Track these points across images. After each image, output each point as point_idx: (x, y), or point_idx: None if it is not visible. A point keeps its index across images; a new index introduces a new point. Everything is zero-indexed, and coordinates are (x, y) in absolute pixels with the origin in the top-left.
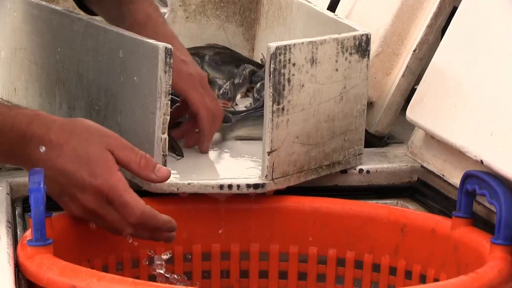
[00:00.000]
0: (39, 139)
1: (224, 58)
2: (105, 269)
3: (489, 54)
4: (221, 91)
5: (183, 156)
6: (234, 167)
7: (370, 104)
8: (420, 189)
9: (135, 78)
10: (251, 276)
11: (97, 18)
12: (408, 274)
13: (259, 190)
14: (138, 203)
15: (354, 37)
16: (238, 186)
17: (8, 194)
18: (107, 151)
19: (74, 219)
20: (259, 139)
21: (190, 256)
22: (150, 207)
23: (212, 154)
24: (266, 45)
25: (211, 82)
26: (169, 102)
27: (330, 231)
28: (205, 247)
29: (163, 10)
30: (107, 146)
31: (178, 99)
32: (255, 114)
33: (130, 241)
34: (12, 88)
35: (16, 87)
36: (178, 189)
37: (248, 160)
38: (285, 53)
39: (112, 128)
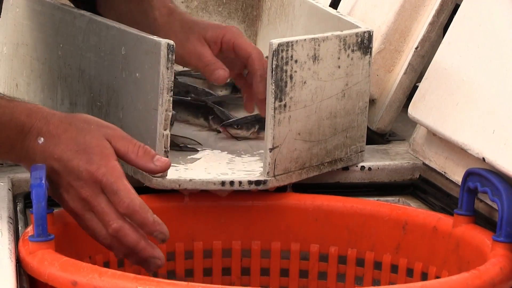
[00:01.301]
0: (38, 130)
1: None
2: (106, 265)
3: (491, 51)
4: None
5: (200, 143)
6: (236, 163)
7: (372, 101)
8: (421, 187)
9: (137, 74)
10: (252, 273)
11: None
12: (410, 272)
13: (261, 187)
14: (129, 192)
15: (356, 34)
16: (240, 182)
17: (9, 190)
18: (105, 140)
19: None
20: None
21: (191, 253)
22: (143, 201)
23: (214, 150)
24: (268, 42)
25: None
26: (171, 99)
27: (332, 229)
28: (206, 244)
29: None
30: (105, 136)
31: (187, 99)
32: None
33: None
34: (14, 84)
35: (18, 82)
36: (179, 185)
37: (249, 156)
38: (287, 50)
39: (114, 124)
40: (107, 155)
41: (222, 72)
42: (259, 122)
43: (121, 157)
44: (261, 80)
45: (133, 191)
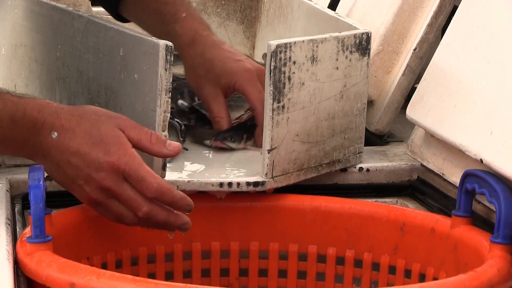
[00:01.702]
0: (51, 125)
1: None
2: (104, 266)
3: (489, 53)
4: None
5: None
6: (234, 165)
7: (370, 103)
8: (420, 188)
9: (135, 75)
10: (250, 274)
11: (98, 15)
12: (408, 273)
13: (259, 188)
14: (155, 176)
15: (355, 36)
16: (238, 184)
17: (7, 191)
18: (118, 130)
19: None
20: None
21: (189, 254)
22: (166, 182)
23: (212, 152)
24: (266, 43)
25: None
26: (170, 100)
27: (330, 230)
28: (204, 245)
29: None
30: (118, 126)
31: (203, 112)
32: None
33: (171, 237)
34: (12, 85)
35: (16, 83)
36: (178, 186)
37: (248, 158)
38: (285, 51)
39: None
40: (123, 143)
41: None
42: (246, 132)
43: (135, 145)
44: (261, 134)
45: (156, 174)
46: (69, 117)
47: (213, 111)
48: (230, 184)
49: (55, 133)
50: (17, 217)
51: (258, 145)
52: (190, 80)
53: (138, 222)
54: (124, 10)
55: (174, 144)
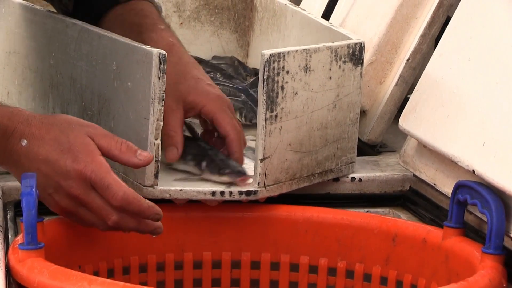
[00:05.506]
0: (21, 133)
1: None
2: (96, 275)
3: (482, 64)
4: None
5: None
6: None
7: (363, 113)
8: (412, 198)
9: (128, 83)
10: (242, 284)
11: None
12: (399, 284)
13: (252, 197)
14: (121, 185)
15: (348, 46)
16: (231, 193)
17: (0, 198)
18: (88, 138)
19: (66, 222)
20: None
21: (181, 264)
22: (133, 190)
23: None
24: (260, 52)
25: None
26: (162, 108)
27: (322, 240)
28: (196, 255)
29: None
30: (88, 134)
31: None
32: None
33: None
34: (5, 92)
35: (9, 91)
36: (170, 195)
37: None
38: (279, 61)
39: None
40: (91, 151)
41: (172, 153)
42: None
43: (105, 154)
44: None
45: (123, 183)
46: (39, 125)
47: (169, 123)
48: (222, 193)
49: (25, 141)
50: (9, 224)
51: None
52: None
53: (110, 229)
54: (103, 26)
55: (145, 154)
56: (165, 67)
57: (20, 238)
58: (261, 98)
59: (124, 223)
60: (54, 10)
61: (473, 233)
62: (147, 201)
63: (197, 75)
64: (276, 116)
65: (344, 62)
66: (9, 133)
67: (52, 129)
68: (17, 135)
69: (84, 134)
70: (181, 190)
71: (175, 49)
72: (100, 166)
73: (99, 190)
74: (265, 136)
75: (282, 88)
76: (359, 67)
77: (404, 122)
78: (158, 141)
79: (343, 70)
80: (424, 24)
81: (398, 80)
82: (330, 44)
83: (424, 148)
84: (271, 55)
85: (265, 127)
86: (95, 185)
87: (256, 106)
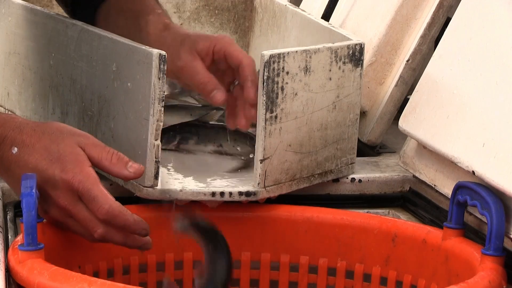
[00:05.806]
0: (12, 140)
1: None
2: (96, 275)
3: (482, 65)
4: None
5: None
6: (226, 174)
7: (363, 114)
8: (411, 199)
9: (128, 84)
10: (242, 284)
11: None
12: (399, 284)
13: (251, 198)
14: (107, 198)
15: (348, 46)
16: (230, 193)
17: (0, 198)
18: (78, 148)
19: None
20: None
21: (181, 264)
22: (120, 204)
23: (204, 161)
24: (260, 53)
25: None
26: (162, 109)
27: (322, 241)
28: (196, 255)
29: None
30: (79, 144)
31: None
32: None
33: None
34: (5, 93)
35: (9, 91)
36: (169, 195)
37: (240, 167)
38: (278, 62)
39: (105, 134)
40: (81, 162)
41: (219, 95)
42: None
43: (95, 164)
44: (252, 85)
45: (110, 196)
46: (31, 133)
47: (198, 73)
48: (222, 193)
49: (16, 148)
50: (9, 225)
51: (253, 98)
52: None
53: (98, 241)
54: (101, 19)
55: (136, 166)
56: (165, 68)
57: (20, 239)
58: (261, 99)
59: (110, 236)
60: (54, 10)
61: (473, 234)
62: (134, 215)
63: (197, 32)
64: (276, 117)
65: (344, 63)
66: (1, 140)
67: (43, 137)
68: (8, 142)
69: (75, 143)
70: (180, 190)
71: (173, 27)
72: (88, 177)
73: (86, 201)
74: (265, 137)
75: (282, 89)
76: (359, 68)
77: (404, 123)
78: (158, 141)
79: (343, 71)
80: (424, 25)
81: (398, 81)
82: (330, 45)
83: (424, 149)
84: (271, 56)
85: (265, 128)
86: (82, 196)
87: None
